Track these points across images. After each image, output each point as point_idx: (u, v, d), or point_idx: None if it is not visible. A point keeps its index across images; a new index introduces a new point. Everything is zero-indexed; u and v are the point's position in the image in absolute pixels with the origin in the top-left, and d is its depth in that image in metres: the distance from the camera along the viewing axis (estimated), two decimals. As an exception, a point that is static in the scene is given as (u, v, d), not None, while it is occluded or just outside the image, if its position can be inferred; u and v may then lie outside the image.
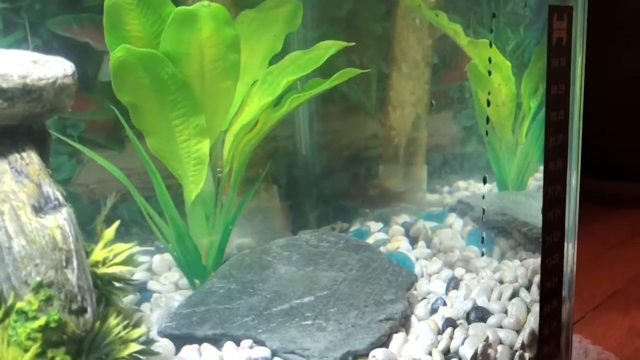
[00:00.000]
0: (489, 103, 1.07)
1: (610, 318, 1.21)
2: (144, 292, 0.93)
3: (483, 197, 1.12)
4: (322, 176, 1.19)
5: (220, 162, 0.92)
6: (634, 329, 1.17)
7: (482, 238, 1.04)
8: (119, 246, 0.69)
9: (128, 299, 0.82)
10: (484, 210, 1.08)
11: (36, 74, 0.62)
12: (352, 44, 0.94)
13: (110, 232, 0.69)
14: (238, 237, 1.07)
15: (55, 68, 0.64)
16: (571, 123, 0.92)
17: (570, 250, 0.96)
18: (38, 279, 0.60)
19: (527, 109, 1.19)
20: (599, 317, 1.22)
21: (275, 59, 0.94)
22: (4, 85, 0.59)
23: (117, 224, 0.70)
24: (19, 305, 0.60)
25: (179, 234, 0.90)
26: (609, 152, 1.96)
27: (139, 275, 0.97)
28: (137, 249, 0.70)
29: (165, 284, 0.96)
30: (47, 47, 0.94)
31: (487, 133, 1.11)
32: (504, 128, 1.19)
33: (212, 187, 0.91)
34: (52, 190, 0.63)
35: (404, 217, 1.19)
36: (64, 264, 0.61)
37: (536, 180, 1.23)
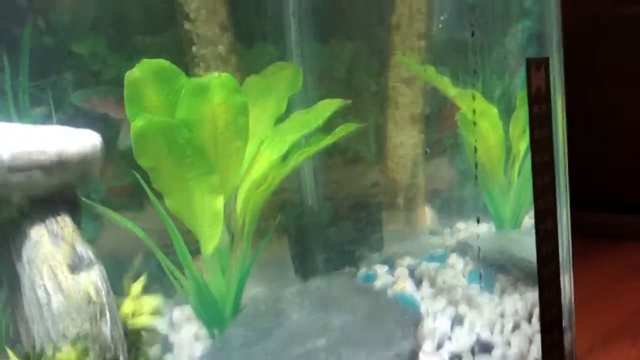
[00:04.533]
0: (476, 150, 1.13)
1: (619, 349, 1.22)
2: (165, 343, 0.97)
3: (478, 236, 1.17)
4: (328, 225, 1.24)
5: (234, 217, 0.97)
6: (643, 359, 1.18)
7: (480, 274, 1.09)
8: (146, 299, 0.75)
9: (154, 350, 0.86)
10: (479, 248, 1.14)
11: (70, 149, 0.69)
12: (349, 101, 1.00)
13: (137, 287, 0.75)
14: (252, 287, 1.10)
15: (85, 142, 0.71)
16: (557, 163, 0.98)
17: (567, 282, 1.00)
18: (75, 331, 0.65)
19: (517, 151, 1.24)
20: (608, 348, 1.23)
21: (280, 119, 1.00)
22: (43, 160, 0.66)
23: (143, 279, 0.76)
24: (58, 356, 0.65)
25: (197, 286, 0.94)
26: (609, 186, 2.00)
27: (160, 327, 1.00)
28: (161, 300, 0.75)
29: (185, 336, 0.99)
30: (70, 119, 1.00)
31: (476, 178, 1.17)
32: (495, 170, 1.24)
33: (227, 240, 0.95)
34: (85, 250, 0.70)
35: (408, 260, 1.23)
36: (98, 316, 0.67)
37: (531, 218, 1.27)
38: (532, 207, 0.92)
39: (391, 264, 1.22)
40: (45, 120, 0.97)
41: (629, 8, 1.94)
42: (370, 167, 1.31)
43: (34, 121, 0.95)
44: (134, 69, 0.84)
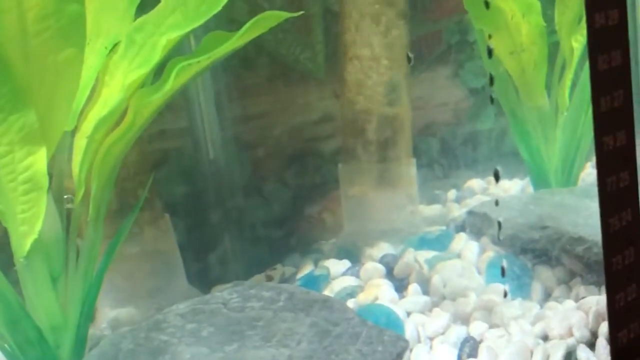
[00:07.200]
0: (490, 52, 1.12)
1: None
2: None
3: (496, 202, 1.16)
4: (244, 192, 1.24)
5: (68, 184, 0.95)
6: None
7: (502, 268, 1.09)
8: None
9: None
10: (499, 223, 1.13)
11: None
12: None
13: None
14: (111, 307, 1.11)
15: None
16: (635, 70, 0.97)
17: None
18: None
19: (569, 54, 1.24)
20: None
21: (146, 6, 0.97)
22: None
23: None
24: None
25: (9, 311, 0.93)
26: None
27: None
28: None
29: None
30: None
31: (492, 100, 1.17)
32: (531, 88, 1.24)
33: (58, 227, 0.94)
34: None
35: (384, 247, 1.24)
36: None
37: (594, 169, 1.28)
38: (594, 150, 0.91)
39: (355, 255, 1.23)
40: None
41: None
42: (316, 89, 1.31)
43: None
44: None
